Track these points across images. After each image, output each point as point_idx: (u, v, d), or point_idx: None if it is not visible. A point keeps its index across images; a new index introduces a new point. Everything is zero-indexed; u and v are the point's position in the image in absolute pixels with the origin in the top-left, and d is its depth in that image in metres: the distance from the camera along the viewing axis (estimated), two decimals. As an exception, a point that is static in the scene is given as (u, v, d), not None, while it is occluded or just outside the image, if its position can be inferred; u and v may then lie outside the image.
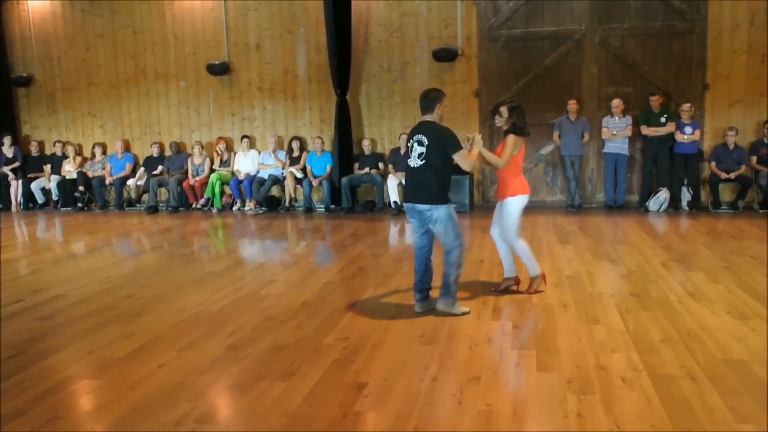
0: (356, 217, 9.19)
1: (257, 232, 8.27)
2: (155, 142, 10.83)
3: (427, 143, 4.32)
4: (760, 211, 8.64)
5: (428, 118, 4.41)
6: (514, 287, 4.97)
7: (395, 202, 9.33)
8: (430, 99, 4.40)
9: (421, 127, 4.40)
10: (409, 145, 4.46)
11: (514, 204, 4.74)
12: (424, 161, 4.33)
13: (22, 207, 10.99)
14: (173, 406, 3.10)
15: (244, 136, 10.35)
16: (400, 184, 9.11)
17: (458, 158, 4.32)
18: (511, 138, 4.65)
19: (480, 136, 4.60)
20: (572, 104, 9.10)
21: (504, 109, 4.72)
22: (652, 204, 8.91)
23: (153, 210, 10.24)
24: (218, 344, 3.96)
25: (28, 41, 11.35)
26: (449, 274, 4.39)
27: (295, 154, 10.10)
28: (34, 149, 11.29)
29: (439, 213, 4.30)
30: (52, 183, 10.90)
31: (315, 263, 6.43)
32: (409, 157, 4.44)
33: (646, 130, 8.93)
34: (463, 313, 4.39)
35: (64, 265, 6.52)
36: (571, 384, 3.22)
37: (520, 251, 4.84)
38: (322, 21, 9.77)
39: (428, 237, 4.52)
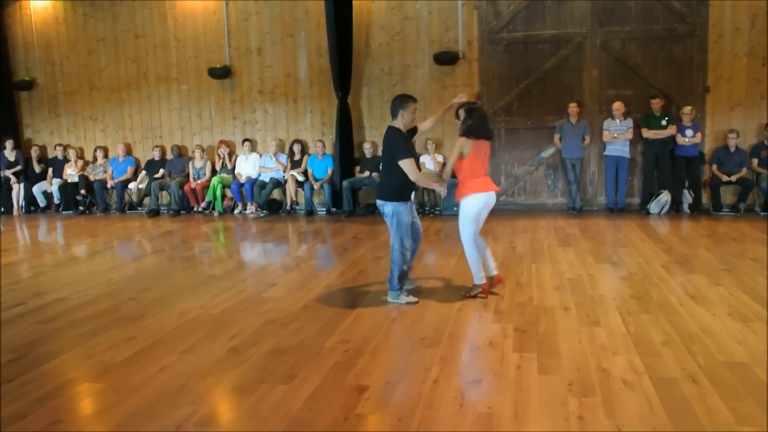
0: (357, 220, 9.20)
1: (258, 236, 8.27)
2: (157, 146, 10.86)
3: (382, 147, 4.83)
4: (762, 213, 8.63)
5: (392, 123, 4.72)
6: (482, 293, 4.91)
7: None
8: (394, 105, 4.71)
9: (385, 132, 4.77)
10: None
11: (465, 205, 4.77)
12: (382, 163, 4.85)
13: (23, 210, 11.01)
14: (174, 409, 3.10)
15: (245, 140, 10.36)
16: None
17: (403, 166, 4.61)
18: (458, 141, 4.72)
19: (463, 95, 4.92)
20: (573, 107, 9.11)
21: (461, 112, 4.78)
22: (654, 207, 8.90)
23: (154, 213, 10.25)
24: (219, 347, 3.96)
25: (30, 45, 11.39)
26: (391, 269, 4.77)
27: (297, 157, 10.12)
28: (35, 153, 11.31)
29: (387, 209, 4.70)
30: (53, 186, 10.92)
31: (316, 266, 6.43)
32: None
33: (647, 133, 8.93)
34: (409, 303, 4.71)
35: (66, 268, 6.53)
36: (572, 387, 3.22)
37: (469, 255, 4.85)
38: (323, 24, 9.79)
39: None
